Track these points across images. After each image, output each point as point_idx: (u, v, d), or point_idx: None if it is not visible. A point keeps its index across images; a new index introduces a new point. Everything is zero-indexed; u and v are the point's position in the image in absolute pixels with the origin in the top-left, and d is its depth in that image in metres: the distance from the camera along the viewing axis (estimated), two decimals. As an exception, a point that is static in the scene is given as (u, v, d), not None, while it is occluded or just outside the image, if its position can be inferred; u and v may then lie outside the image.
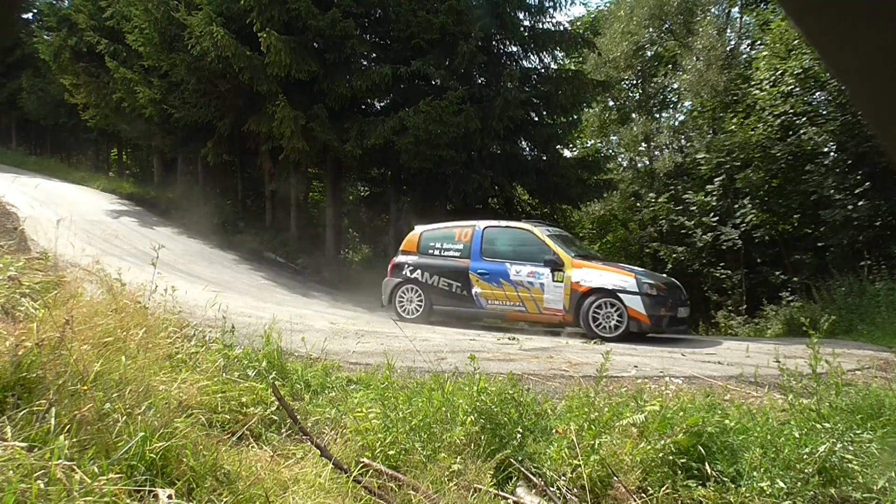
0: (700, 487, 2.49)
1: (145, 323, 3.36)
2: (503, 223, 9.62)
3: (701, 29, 18.12)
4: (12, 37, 20.05)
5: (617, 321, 7.92)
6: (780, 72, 14.36)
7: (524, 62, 15.19)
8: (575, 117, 15.38)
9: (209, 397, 2.88)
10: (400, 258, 9.42)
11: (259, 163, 15.98)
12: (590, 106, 18.01)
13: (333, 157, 14.52)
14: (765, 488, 2.43)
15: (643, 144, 20.85)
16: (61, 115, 23.20)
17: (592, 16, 24.75)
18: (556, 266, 8.43)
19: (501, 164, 14.03)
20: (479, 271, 8.84)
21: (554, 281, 8.40)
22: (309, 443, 2.66)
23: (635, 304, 7.90)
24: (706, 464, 2.56)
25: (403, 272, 9.25)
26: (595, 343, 7.07)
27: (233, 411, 2.91)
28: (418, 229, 9.55)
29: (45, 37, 20.88)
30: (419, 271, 9.13)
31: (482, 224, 9.28)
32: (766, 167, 14.38)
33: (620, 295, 8.02)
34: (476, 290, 8.79)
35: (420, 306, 9.06)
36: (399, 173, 15.26)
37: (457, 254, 9.08)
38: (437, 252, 9.19)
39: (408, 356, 4.68)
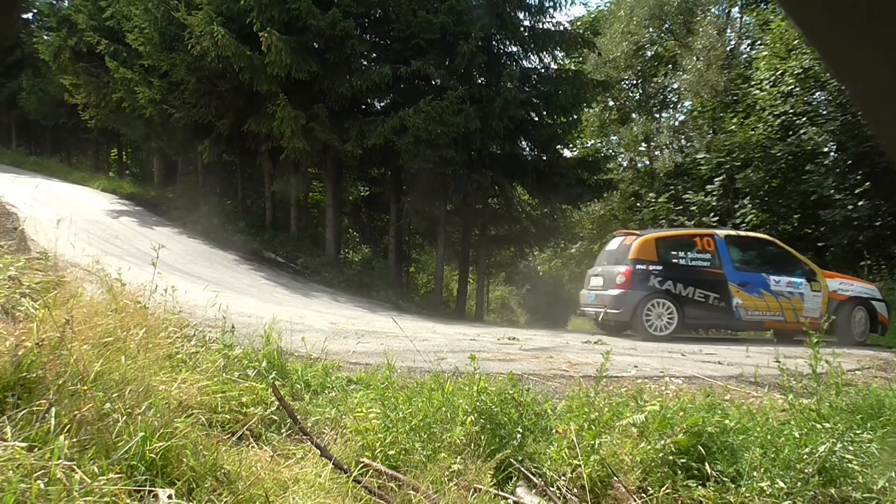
0: (700, 487, 2.49)
1: (145, 323, 3.36)
2: (740, 233, 9.74)
3: (701, 29, 18.13)
4: (12, 37, 20.05)
5: (864, 326, 8.69)
6: (780, 72, 14.38)
7: (524, 62, 15.21)
8: (575, 117, 15.38)
9: (209, 397, 2.87)
10: (639, 267, 8.49)
11: (259, 163, 15.99)
12: (590, 106, 18.02)
13: (333, 157, 14.52)
14: (765, 488, 2.42)
15: (643, 144, 20.87)
16: (61, 115, 23.20)
17: (592, 16, 24.78)
18: (811, 276, 8.94)
19: (501, 164, 14.03)
20: (738, 282, 8.64)
21: (812, 291, 8.81)
22: (309, 443, 2.66)
23: (882, 309, 8.92)
24: (706, 464, 2.56)
25: (650, 283, 8.42)
26: (595, 343, 7.07)
27: (233, 411, 2.91)
28: (647, 234, 8.91)
29: (45, 37, 20.87)
30: (670, 282, 8.45)
31: (720, 232, 9.20)
32: (766, 167, 14.39)
33: (873, 302, 8.96)
34: (737, 301, 8.58)
35: (672, 321, 8.42)
36: (399, 173, 15.26)
37: (706, 263, 8.68)
38: (682, 261, 8.63)
39: (408, 356, 4.68)
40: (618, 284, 8.51)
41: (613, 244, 9.38)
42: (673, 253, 8.67)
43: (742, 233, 9.87)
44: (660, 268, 8.51)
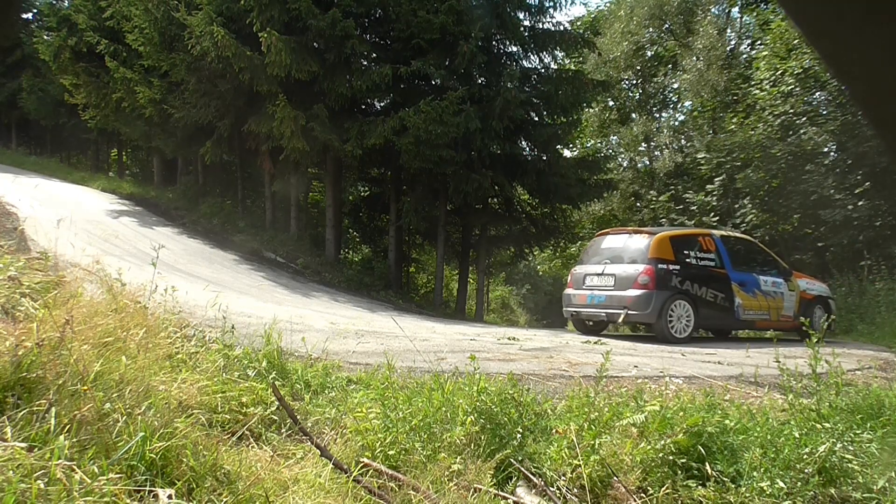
0: (700, 487, 2.49)
1: (145, 323, 3.36)
2: (730, 233, 9.94)
3: (701, 29, 18.13)
4: (12, 37, 20.07)
5: (824, 324, 9.32)
6: (780, 72, 14.37)
7: (524, 62, 15.21)
8: (575, 117, 15.37)
9: (209, 397, 2.87)
10: (661, 266, 8.20)
11: (259, 163, 15.99)
12: (590, 106, 18.01)
13: (333, 157, 14.52)
14: (765, 488, 2.42)
15: (643, 144, 20.86)
16: (61, 115, 23.21)
17: (592, 16, 24.77)
18: (788, 276, 9.31)
19: (501, 164, 14.03)
20: (738, 281, 8.73)
21: (789, 290, 9.18)
22: (309, 443, 2.66)
23: (833, 307, 9.54)
24: (706, 464, 2.56)
25: (672, 283, 8.18)
26: (595, 343, 7.07)
27: (233, 411, 2.91)
28: (660, 233, 8.64)
29: (45, 37, 20.89)
30: (689, 282, 8.29)
31: (716, 232, 9.33)
32: (766, 167, 14.38)
33: (829, 301, 9.64)
34: (738, 300, 8.65)
35: (689, 322, 8.26)
36: (399, 173, 15.26)
37: (712, 263, 8.67)
38: (693, 261, 8.52)
39: (408, 356, 4.68)
40: (640, 284, 8.13)
41: (613, 242, 8.93)
42: (685, 252, 8.50)
43: (730, 233, 10.00)
44: (678, 267, 8.31)
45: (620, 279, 8.38)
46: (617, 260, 8.62)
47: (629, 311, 8.15)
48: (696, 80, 17.76)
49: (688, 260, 8.46)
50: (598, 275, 8.76)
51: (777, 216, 14.54)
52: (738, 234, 10.06)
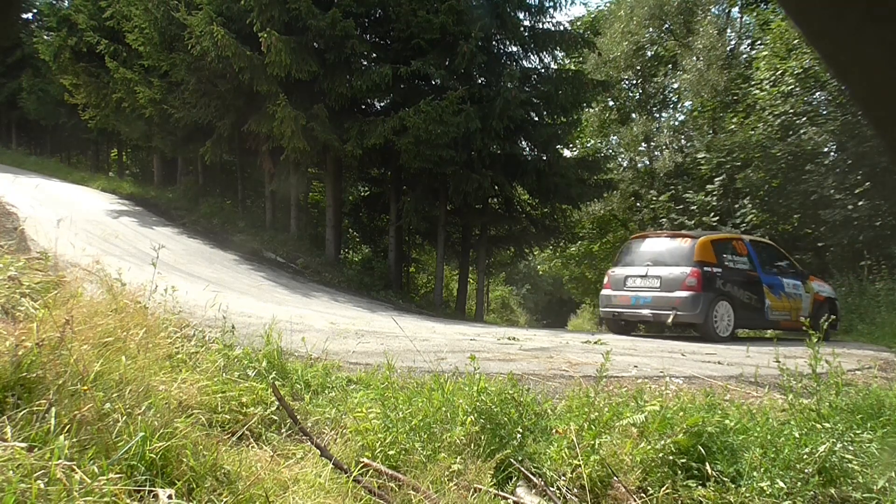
0: (700, 487, 2.49)
1: (145, 323, 3.36)
2: (755, 238, 10.25)
3: (701, 29, 18.13)
4: (12, 37, 20.08)
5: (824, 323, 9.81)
6: (780, 72, 14.37)
7: (524, 62, 15.23)
8: (575, 117, 15.39)
9: (209, 397, 2.87)
10: (706, 269, 8.52)
11: (259, 163, 15.99)
12: (590, 106, 18.01)
13: (333, 157, 14.52)
14: (765, 488, 2.42)
15: (643, 144, 20.85)
16: (61, 115, 23.22)
17: (592, 16, 24.75)
18: (805, 278, 9.70)
19: (501, 164, 14.03)
20: (768, 283, 9.11)
21: (805, 292, 9.56)
22: (309, 443, 2.66)
23: (838, 307, 9.84)
24: (706, 464, 2.55)
25: (716, 285, 8.54)
26: (595, 343, 7.07)
27: (233, 411, 2.91)
28: (702, 236, 8.96)
29: (45, 37, 20.91)
30: (729, 284, 8.68)
31: (746, 237, 9.70)
32: (766, 167, 14.39)
33: (836, 302, 9.94)
34: (767, 302, 9.03)
35: (730, 322, 8.65)
36: (399, 173, 15.27)
37: (745, 266, 9.06)
38: (731, 263, 8.88)
39: (408, 356, 4.67)
40: (688, 286, 8.41)
41: (654, 245, 9.15)
42: (724, 255, 8.89)
43: (755, 238, 10.37)
44: (720, 270, 8.68)
45: (667, 281, 8.63)
46: (660, 262, 8.86)
47: (678, 312, 8.39)
48: (696, 80, 17.77)
49: (727, 263, 8.86)
50: (642, 276, 8.93)
51: (777, 216, 14.55)
52: (762, 239, 10.42)
